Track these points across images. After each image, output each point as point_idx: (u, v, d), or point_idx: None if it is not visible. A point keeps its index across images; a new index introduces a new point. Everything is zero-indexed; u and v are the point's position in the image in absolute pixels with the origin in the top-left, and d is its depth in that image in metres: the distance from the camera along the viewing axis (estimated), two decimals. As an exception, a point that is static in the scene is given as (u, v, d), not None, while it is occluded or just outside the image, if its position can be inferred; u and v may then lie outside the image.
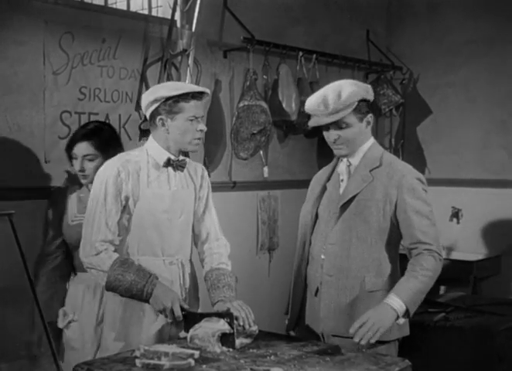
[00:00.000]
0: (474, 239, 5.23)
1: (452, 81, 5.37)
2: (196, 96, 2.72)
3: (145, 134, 3.97)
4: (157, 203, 2.74)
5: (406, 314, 2.65)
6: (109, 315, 2.81)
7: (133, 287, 2.61)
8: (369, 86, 2.89)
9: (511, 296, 4.77)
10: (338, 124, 2.79)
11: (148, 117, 2.79)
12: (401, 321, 2.66)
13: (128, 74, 3.90)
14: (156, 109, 2.72)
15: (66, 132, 3.63)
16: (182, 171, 2.83)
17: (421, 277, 2.67)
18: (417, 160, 5.41)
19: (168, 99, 2.70)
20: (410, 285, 2.65)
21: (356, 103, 2.77)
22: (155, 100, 2.72)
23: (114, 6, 3.99)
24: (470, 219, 5.26)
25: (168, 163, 2.78)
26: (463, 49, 5.31)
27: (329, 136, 2.84)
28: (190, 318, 2.62)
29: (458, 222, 5.32)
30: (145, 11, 4.13)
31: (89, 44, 3.70)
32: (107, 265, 2.64)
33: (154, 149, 2.79)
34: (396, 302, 2.61)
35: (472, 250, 5.19)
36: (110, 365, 2.33)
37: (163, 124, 2.74)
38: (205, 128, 2.78)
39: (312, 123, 2.89)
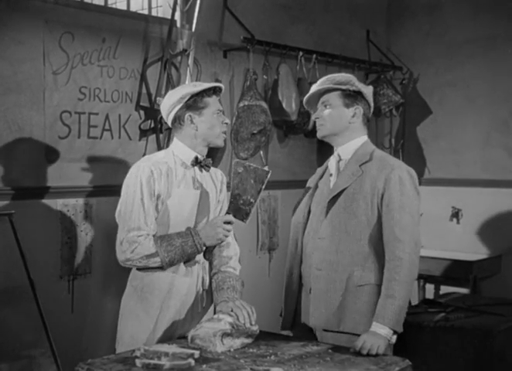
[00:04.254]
0: (474, 239, 5.23)
1: (452, 81, 5.37)
2: (217, 91, 2.83)
3: (144, 134, 3.98)
4: (184, 203, 2.78)
5: (395, 333, 2.68)
6: (126, 310, 2.83)
7: (185, 248, 2.69)
8: (371, 88, 2.95)
9: (511, 296, 4.77)
10: (323, 102, 2.89)
11: (171, 119, 2.83)
12: (393, 340, 2.69)
13: (128, 74, 3.90)
14: (181, 108, 2.79)
15: (66, 132, 3.64)
16: (208, 170, 2.89)
17: (398, 293, 2.66)
18: (417, 160, 5.42)
19: (192, 96, 2.77)
20: (390, 308, 2.65)
21: (347, 87, 2.84)
22: (181, 99, 2.78)
23: (114, 6, 4.00)
24: (470, 219, 5.26)
25: (196, 162, 2.83)
26: (463, 48, 5.31)
27: (314, 114, 2.96)
28: (234, 208, 2.72)
29: (458, 222, 5.32)
30: (145, 11, 4.13)
31: (89, 44, 3.70)
32: (151, 247, 2.67)
33: (180, 149, 2.83)
34: (383, 329, 2.63)
35: (472, 250, 5.19)
36: (110, 366, 2.33)
37: (192, 121, 2.79)
38: (229, 121, 2.88)
39: (304, 99, 3.03)
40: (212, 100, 2.80)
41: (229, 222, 2.73)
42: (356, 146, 2.89)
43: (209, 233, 2.71)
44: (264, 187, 2.71)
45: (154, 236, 2.71)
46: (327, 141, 2.97)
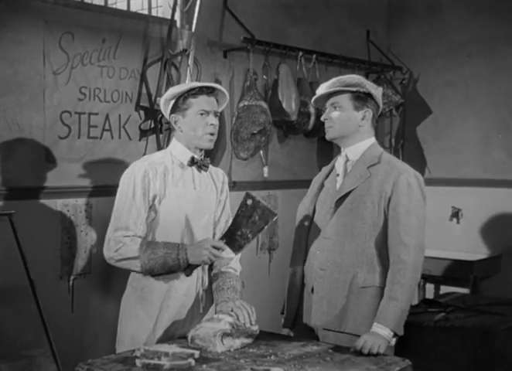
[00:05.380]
0: (474, 239, 5.23)
1: (451, 81, 5.37)
2: (204, 91, 2.77)
3: (145, 134, 3.98)
4: (182, 203, 2.76)
5: (395, 336, 2.69)
6: (125, 311, 2.83)
7: (168, 260, 2.64)
8: (380, 89, 2.95)
9: (511, 296, 4.77)
10: (332, 104, 2.87)
11: (168, 119, 2.84)
12: (393, 342, 2.70)
13: (128, 74, 3.90)
14: (170, 110, 2.79)
15: (66, 132, 3.63)
16: (206, 170, 2.87)
17: (400, 296, 2.67)
18: (417, 160, 5.42)
19: (179, 97, 2.76)
20: (393, 310, 2.66)
21: (357, 89, 2.83)
22: (166, 100, 2.79)
23: (114, 6, 3.99)
24: (470, 219, 5.26)
25: (193, 162, 2.81)
26: (463, 48, 5.31)
27: (323, 116, 2.92)
28: (229, 237, 2.64)
29: (458, 222, 5.32)
30: (145, 11, 4.13)
31: (89, 44, 3.70)
32: (135, 250, 2.66)
33: (177, 149, 2.82)
34: (383, 330, 2.63)
35: (472, 249, 5.19)
36: (110, 366, 2.33)
37: (176, 123, 2.79)
38: (216, 122, 2.79)
39: (312, 99, 3.00)
40: (197, 101, 2.75)
41: (219, 249, 2.65)
42: (364, 148, 2.89)
43: (195, 251, 2.65)
44: (266, 227, 2.65)
45: (141, 237, 2.70)
46: (335, 143, 2.97)
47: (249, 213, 2.61)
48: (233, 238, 2.64)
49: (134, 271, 2.73)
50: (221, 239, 2.67)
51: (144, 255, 2.64)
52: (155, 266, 2.65)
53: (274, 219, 2.63)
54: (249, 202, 2.62)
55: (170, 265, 2.66)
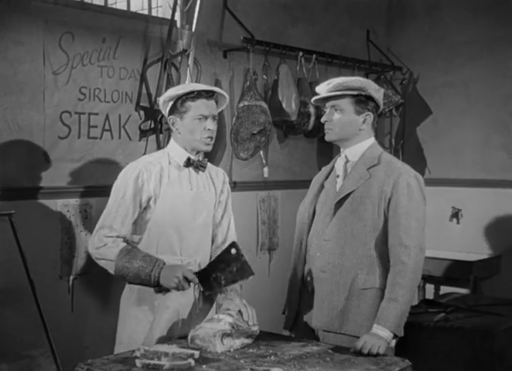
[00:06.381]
0: (474, 239, 5.23)
1: (451, 81, 5.36)
2: (203, 94, 2.75)
3: (145, 134, 3.98)
4: (178, 203, 2.76)
5: (395, 337, 2.68)
6: (124, 311, 2.84)
7: (141, 273, 2.63)
8: (382, 90, 2.93)
9: (511, 296, 4.76)
10: (333, 106, 2.86)
11: (167, 120, 2.85)
12: (392, 343, 2.70)
13: (127, 74, 3.90)
14: (168, 111, 2.79)
15: (66, 132, 3.64)
16: (203, 171, 2.86)
17: (401, 298, 2.67)
18: (417, 160, 5.42)
19: (177, 99, 2.75)
20: (393, 311, 2.65)
21: (358, 92, 2.82)
22: (165, 102, 2.79)
23: (114, 6, 4.00)
24: (470, 219, 5.26)
25: (189, 163, 2.81)
26: (463, 49, 5.31)
27: (323, 117, 2.91)
28: (204, 276, 2.62)
29: (458, 223, 5.32)
30: (145, 12, 4.13)
31: (89, 44, 3.70)
32: (114, 254, 2.66)
33: (174, 150, 2.82)
34: (383, 332, 2.63)
35: (472, 250, 5.19)
36: (110, 366, 2.33)
37: (173, 124, 2.79)
38: (213, 127, 2.78)
39: (313, 99, 2.98)
40: (195, 105, 2.74)
41: (190, 281, 2.61)
42: (363, 148, 2.89)
43: (167, 274, 2.61)
44: (240, 282, 2.69)
45: (125, 238, 2.71)
46: (335, 144, 2.97)
47: (228, 262, 2.60)
48: (206, 277, 2.63)
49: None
50: (196, 273, 2.64)
51: (119, 262, 2.64)
52: (128, 275, 2.65)
53: (250, 279, 2.64)
54: (233, 251, 2.60)
55: (142, 278, 2.64)
